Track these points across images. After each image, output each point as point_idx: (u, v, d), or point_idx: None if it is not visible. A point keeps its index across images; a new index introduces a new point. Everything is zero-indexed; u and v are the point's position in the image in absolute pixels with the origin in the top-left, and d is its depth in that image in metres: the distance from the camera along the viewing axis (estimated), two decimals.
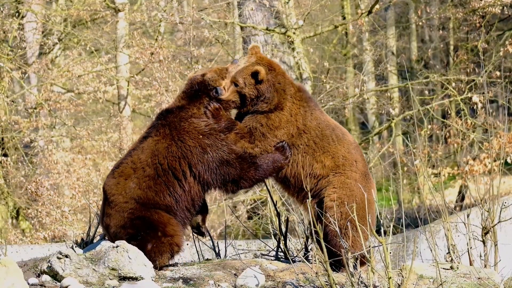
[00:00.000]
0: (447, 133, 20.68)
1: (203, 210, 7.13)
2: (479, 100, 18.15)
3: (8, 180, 19.93)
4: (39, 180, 18.11)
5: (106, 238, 7.06)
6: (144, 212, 6.72)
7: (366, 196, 6.65)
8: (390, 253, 6.05)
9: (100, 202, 7.38)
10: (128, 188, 6.77)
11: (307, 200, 6.52)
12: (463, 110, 18.90)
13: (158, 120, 6.99)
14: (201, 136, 6.83)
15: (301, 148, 6.93)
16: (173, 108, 7.00)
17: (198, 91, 6.97)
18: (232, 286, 6.46)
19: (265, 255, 8.10)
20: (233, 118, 7.01)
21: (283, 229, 7.86)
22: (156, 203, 6.75)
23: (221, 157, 6.81)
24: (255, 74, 6.88)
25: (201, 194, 6.91)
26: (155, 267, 6.56)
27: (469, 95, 18.65)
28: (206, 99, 6.96)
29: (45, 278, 6.34)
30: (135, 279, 6.28)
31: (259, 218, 19.12)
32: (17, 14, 20.72)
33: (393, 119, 19.78)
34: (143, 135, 7.02)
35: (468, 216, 7.37)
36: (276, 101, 6.92)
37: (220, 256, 8.35)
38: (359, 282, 6.16)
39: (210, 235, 8.82)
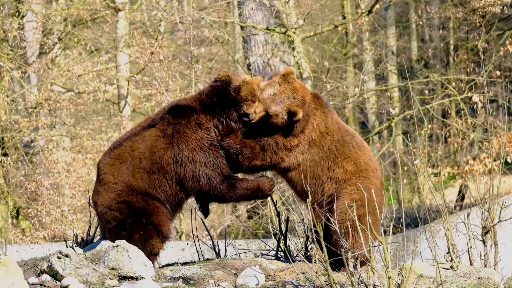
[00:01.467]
0: (447, 133, 20.67)
1: None
2: (479, 100, 18.15)
3: (8, 180, 19.93)
4: (39, 179, 18.11)
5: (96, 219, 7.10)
6: (131, 197, 6.75)
7: (377, 203, 6.69)
8: (390, 252, 6.05)
9: None
10: (121, 172, 6.79)
11: (307, 200, 6.52)
12: (463, 109, 18.90)
13: (168, 113, 6.94)
14: (198, 149, 6.81)
15: (324, 150, 6.94)
16: (187, 107, 6.92)
17: (221, 106, 6.87)
18: (232, 285, 6.45)
19: (265, 254, 8.10)
20: (243, 140, 6.92)
21: (283, 229, 7.86)
22: (147, 193, 6.78)
23: (208, 173, 6.81)
24: (291, 114, 6.85)
25: (185, 198, 6.96)
26: (147, 255, 6.55)
27: (469, 94, 18.65)
28: (223, 116, 6.89)
29: (45, 277, 6.34)
30: (135, 278, 6.27)
31: (259, 218, 19.11)
32: (17, 13, 20.72)
33: (393, 118, 19.78)
34: (149, 122, 6.97)
35: (468, 215, 7.37)
36: (300, 129, 6.94)
37: (220, 256, 8.35)
38: (359, 282, 6.16)
39: (210, 235, 8.83)
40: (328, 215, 6.73)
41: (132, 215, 6.71)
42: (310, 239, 7.39)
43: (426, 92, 23.18)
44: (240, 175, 7.13)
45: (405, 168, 21.28)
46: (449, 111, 20.08)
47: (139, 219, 6.71)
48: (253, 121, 6.90)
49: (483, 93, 18.17)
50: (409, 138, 12.53)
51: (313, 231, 6.32)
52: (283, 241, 7.60)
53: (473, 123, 18.95)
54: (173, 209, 6.95)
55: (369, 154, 7.06)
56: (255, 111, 6.87)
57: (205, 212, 7.25)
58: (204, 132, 6.84)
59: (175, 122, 6.84)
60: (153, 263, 6.68)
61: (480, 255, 7.29)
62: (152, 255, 6.73)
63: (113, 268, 6.28)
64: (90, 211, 8.47)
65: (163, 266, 7.08)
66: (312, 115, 6.97)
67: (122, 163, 6.81)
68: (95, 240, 7.97)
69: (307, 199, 6.54)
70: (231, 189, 6.86)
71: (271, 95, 6.91)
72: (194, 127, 6.84)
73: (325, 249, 6.10)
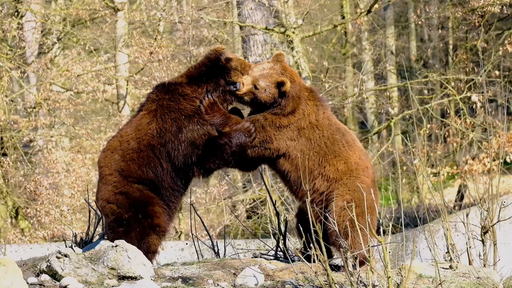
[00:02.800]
0: (446, 133, 20.68)
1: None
2: (478, 100, 18.17)
3: (7, 180, 19.93)
4: (38, 179, 18.11)
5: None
6: (127, 187, 6.77)
7: (374, 201, 6.72)
8: (389, 252, 6.05)
9: None
10: (113, 161, 6.84)
11: (306, 199, 6.52)
12: (462, 109, 18.91)
13: (152, 92, 7.00)
14: (182, 118, 6.81)
15: (313, 145, 6.94)
16: (171, 83, 6.97)
17: (209, 75, 6.89)
18: (232, 285, 6.45)
19: (265, 254, 8.09)
20: (227, 112, 6.95)
21: (282, 229, 7.87)
22: (139, 177, 6.79)
23: (193, 138, 6.79)
24: (279, 85, 6.90)
25: (177, 173, 6.89)
26: (144, 252, 6.54)
27: (468, 94, 18.67)
28: (210, 85, 6.89)
29: (44, 277, 6.33)
30: (134, 278, 6.27)
31: (258, 218, 19.12)
32: (16, 13, 20.71)
33: (392, 118, 19.78)
34: (138, 109, 7.07)
35: (467, 215, 7.37)
36: (289, 109, 6.95)
37: (219, 256, 8.35)
38: (358, 282, 6.16)
39: (209, 235, 8.83)
40: (326, 215, 6.73)
41: (129, 207, 6.71)
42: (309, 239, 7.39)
43: (425, 92, 23.18)
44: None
45: (404, 168, 21.28)
46: (448, 111, 20.09)
47: (136, 214, 6.71)
48: (240, 93, 6.91)
49: (482, 92, 18.19)
50: (408, 138, 12.54)
51: (311, 231, 6.32)
52: (282, 241, 7.60)
53: (472, 122, 18.96)
54: (170, 190, 6.89)
55: (360, 153, 7.06)
56: (243, 83, 6.91)
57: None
58: (188, 102, 6.84)
59: (159, 98, 6.89)
60: (151, 261, 6.67)
61: (479, 255, 7.29)
62: (149, 252, 6.72)
63: (112, 268, 6.28)
64: (89, 211, 8.47)
65: (162, 266, 7.07)
66: (304, 102, 6.99)
67: (113, 152, 6.87)
68: (94, 240, 7.97)
69: (306, 199, 6.54)
70: (218, 150, 6.79)
71: (260, 70, 7.00)
72: (178, 98, 6.86)
73: (324, 249, 6.09)
